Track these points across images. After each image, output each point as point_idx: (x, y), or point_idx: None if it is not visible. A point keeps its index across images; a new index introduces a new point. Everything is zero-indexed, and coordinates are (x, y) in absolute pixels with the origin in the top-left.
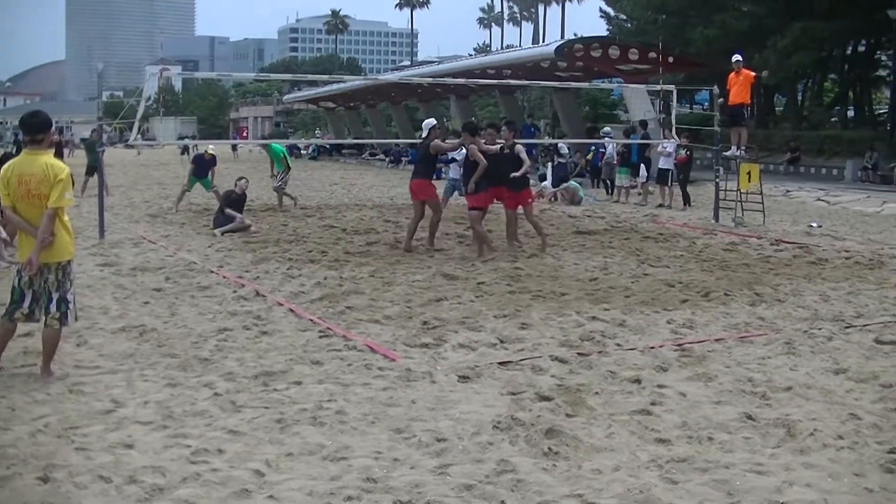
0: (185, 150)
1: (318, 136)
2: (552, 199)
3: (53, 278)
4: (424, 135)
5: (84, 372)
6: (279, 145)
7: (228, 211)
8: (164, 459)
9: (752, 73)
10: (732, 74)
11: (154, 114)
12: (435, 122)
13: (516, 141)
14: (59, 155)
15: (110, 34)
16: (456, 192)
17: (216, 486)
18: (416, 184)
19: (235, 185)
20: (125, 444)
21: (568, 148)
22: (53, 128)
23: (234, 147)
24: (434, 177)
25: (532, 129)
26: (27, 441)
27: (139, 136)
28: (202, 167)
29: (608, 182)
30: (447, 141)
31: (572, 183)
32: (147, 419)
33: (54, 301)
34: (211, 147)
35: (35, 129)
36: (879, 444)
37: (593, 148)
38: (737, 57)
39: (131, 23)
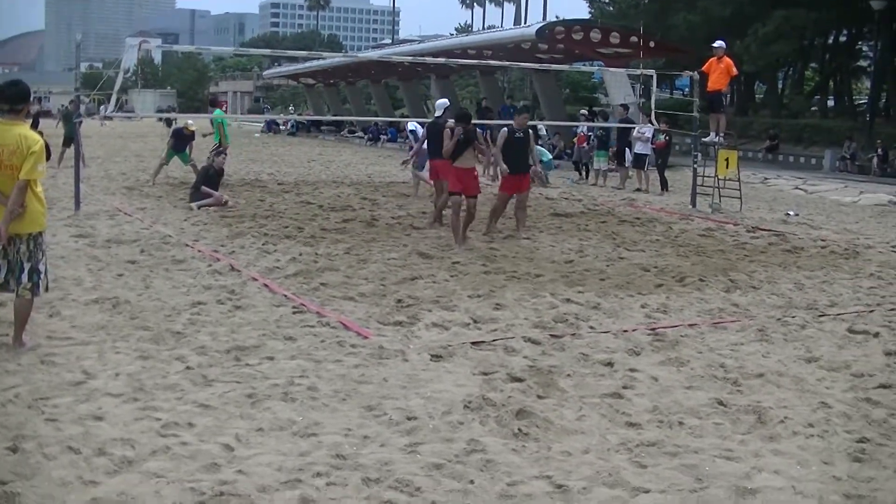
0: (169, 122)
1: (291, 112)
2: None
3: (25, 248)
4: (438, 114)
5: (56, 343)
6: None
7: (204, 189)
8: (133, 432)
9: (733, 66)
10: (714, 59)
11: (133, 86)
12: (448, 102)
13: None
14: (35, 125)
15: (90, 5)
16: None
17: (185, 460)
18: (440, 164)
19: (213, 160)
20: (95, 415)
21: (546, 130)
22: (31, 98)
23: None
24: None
25: (511, 110)
26: None
27: (117, 108)
28: (181, 141)
29: (582, 165)
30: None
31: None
32: (118, 391)
33: (26, 271)
34: (191, 122)
35: (15, 99)
36: (849, 433)
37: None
38: (719, 43)
39: None
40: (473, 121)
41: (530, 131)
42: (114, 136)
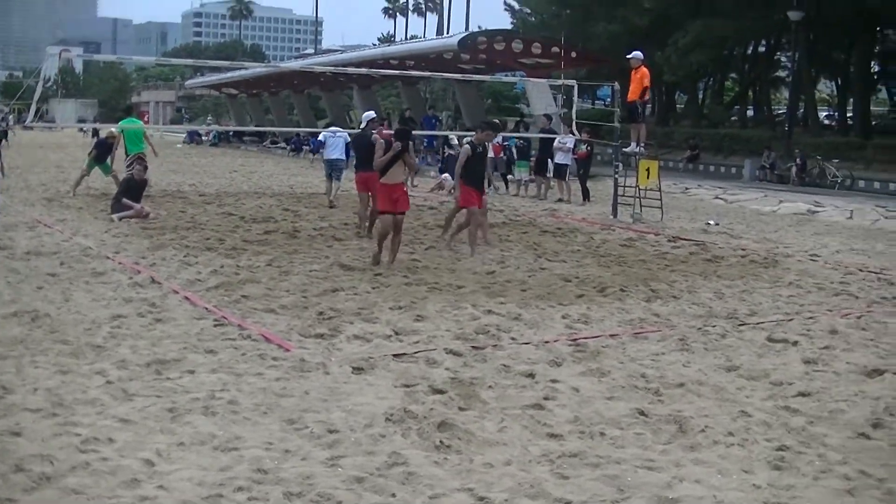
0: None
1: (209, 123)
2: (451, 190)
3: None
4: (363, 126)
5: None
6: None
7: (125, 201)
8: (52, 447)
9: (647, 77)
10: (633, 70)
11: (54, 95)
12: (374, 114)
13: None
14: None
15: (10, 12)
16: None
17: (105, 476)
18: (366, 176)
19: (133, 169)
20: (12, 431)
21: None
22: None
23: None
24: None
25: (434, 121)
26: None
27: (37, 118)
28: (104, 152)
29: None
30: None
31: (448, 177)
32: (36, 406)
33: None
34: (114, 130)
35: None
36: (768, 441)
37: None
38: (635, 53)
39: (32, 1)
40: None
41: (487, 145)
42: (34, 146)
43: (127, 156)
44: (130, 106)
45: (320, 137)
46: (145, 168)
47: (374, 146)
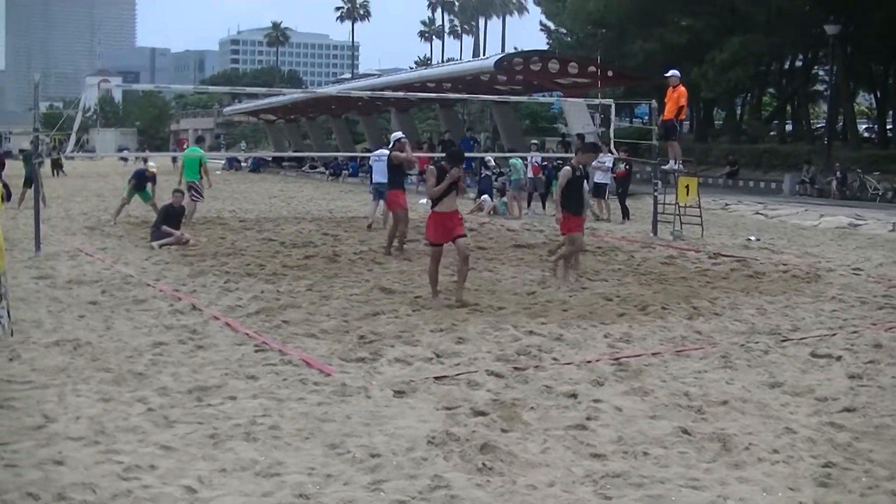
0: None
1: (242, 149)
2: (490, 212)
3: None
4: (391, 146)
5: (15, 387)
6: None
7: (165, 228)
8: (94, 476)
9: (684, 95)
10: (670, 89)
11: (93, 125)
12: (401, 134)
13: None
14: (1, 167)
15: (50, 44)
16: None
17: (147, 503)
18: (388, 194)
19: (173, 195)
20: (55, 460)
21: (494, 161)
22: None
23: (173, 158)
24: (403, 186)
25: (472, 143)
26: None
27: (77, 148)
28: (142, 181)
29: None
30: (404, 153)
31: (487, 198)
32: (78, 435)
33: None
34: (152, 164)
35: None
36: (814, 458)
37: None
38: (672, 72)
39: (71, 33)
40: (431, 153)
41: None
42: (74, 175)
43: (184, 182)
44: (199, 137)
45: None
46: (183, 196)
47: (396, 165)
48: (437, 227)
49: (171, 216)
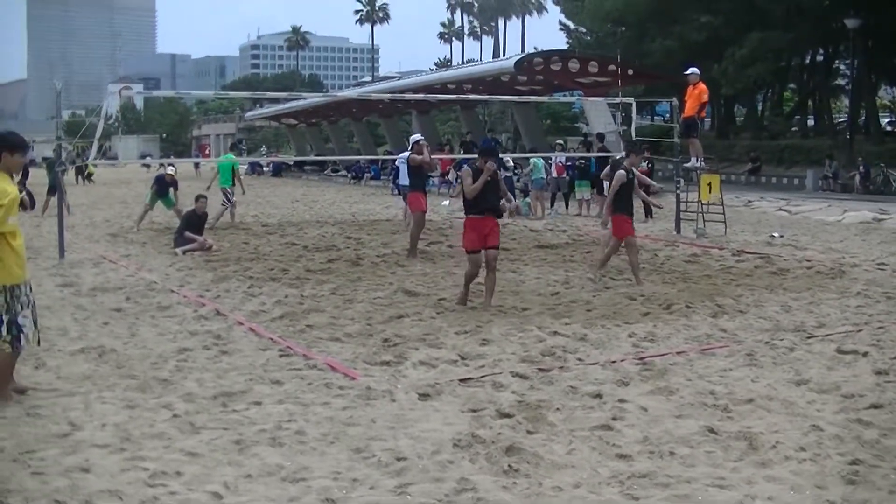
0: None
1: (262, 153)
2: (513, 212)
3: (3, 301)
4: (410, 147)
5: (41, 395)
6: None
7: (188, 234)
8: (121, 483)
9: (705, 92)
10: (690, 86)
11: (115, 132)
12: (420, 136)
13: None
14: (25, 175)
15: (71, 52)
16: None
17: None
18: (409, 196)
19: (196, 201)
20: (82, 467)
21: (512, 161)
22: (26, 153)
23: (196, 164)
24: (423, 188)
25: (493, 144)
26: None
27: (100, 155)
28: (164, 187)
29: (558, 195)
30: (421, 156)
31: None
32: (104, 442)
33: (4, 324)
34: (171, 169)
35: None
36: (841, 456)
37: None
38: (692, 70)
39: (92, 41)
40: (454, 155)
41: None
42: (97, 182)
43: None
44: (234, 143)
45: (396, 163)
46: (206, 202)
47: (415, 167)
48: (472, 234)
49: (194, 222)
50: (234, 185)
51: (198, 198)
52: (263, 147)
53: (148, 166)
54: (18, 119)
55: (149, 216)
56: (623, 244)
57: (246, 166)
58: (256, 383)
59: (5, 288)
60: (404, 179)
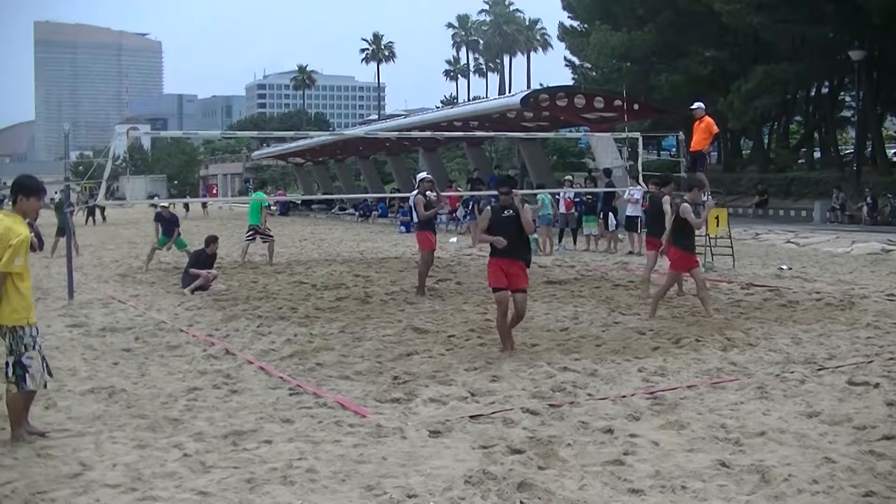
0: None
1: (268, 192)
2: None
3: (7, 342)
4: (417, 186)
5: (52, 435)
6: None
7: (193, 270)
8: None
9: (713, 124)
10: (696, 121)
11: (123, 172)
12: (425, 175)
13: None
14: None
15: (79, 93)
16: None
17: None
18: (417, 234)
19: (207, 245)
20: None
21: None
22: (42, 199)
23: (203, 204)
24: (431, 226)
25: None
26: None
27: (108, 195)
28: (166, 225)
29: (567, 231)
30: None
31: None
32: (115, 482)
33: (10, 364)
34: (163, 203)
35: (12, 191)
36: (854, 488)
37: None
38: (697, 104)
39: (99, 82)
40: (461, 192)
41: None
42: (105, 223)
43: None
44: (263, 181)
45: (410, 202)
46: (216, 242)
47: (418, 205)
48: (497, 272)
49: (202, 261)
50: (263, 222)
51: (213, 240)
52: (267, 187)
53: (156, 206)
54: (27, 160)
55: (157, 256)
56: (688, 276)
57: (276, 206)
58: (267, 422)
59: (11, 329)
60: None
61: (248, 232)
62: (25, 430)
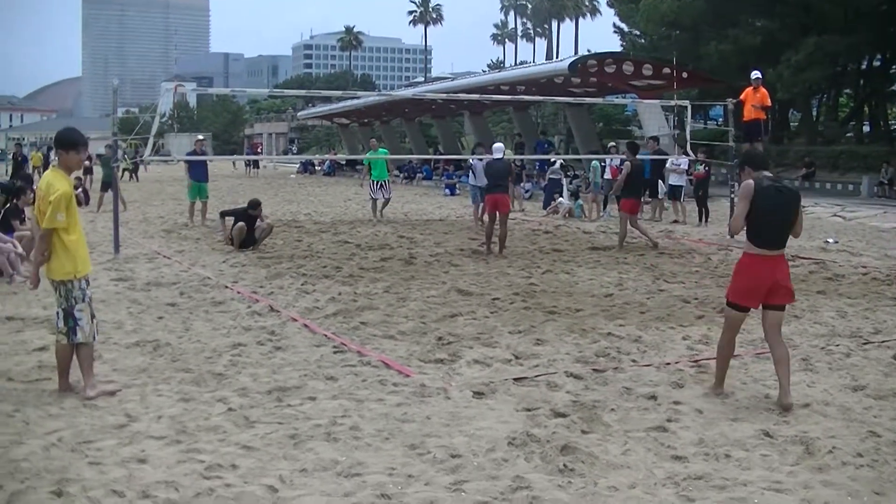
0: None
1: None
2: (566, 214)
3: (58, 295)
4: (498, 156)
5: (98, 386)
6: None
7: (227, 218)
8: (177, 474)
9: (767, 96)
10: (750, 89)
11: (169, 130)
12: (503, 146)
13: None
14: (88, 171)
15: (126, 51)
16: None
17: (229, 502)
18: (501, 198)
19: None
20: (138, 458)
21: (561, 163)
22: (83, 152)
23: (247, 163)
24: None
25: (546, 145)
26: (41, 455)
27: (154, 152)
28: (197, 167)
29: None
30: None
31: (563, 201)
32: (160, 434)
33: (61, 317)
34: (200, 136)
35: (56, 144)
36: None
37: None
38: (756, 74)
39: (147, 39)
40: (510, 155)
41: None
42: (151, 179)
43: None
44: (379, 137)
45: (471, 162)
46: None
47: (509, 171)
48: (750, 281)
49: (239, 214)
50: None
51: (257, 204)
52: (314, 147)
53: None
54: (73, 116)
55: (197, 209)
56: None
57: (297, 165)
58: (311, 379)
59: (60, 282)
60: (481, 181)
61: (377, 184)
62: (93, 390)
